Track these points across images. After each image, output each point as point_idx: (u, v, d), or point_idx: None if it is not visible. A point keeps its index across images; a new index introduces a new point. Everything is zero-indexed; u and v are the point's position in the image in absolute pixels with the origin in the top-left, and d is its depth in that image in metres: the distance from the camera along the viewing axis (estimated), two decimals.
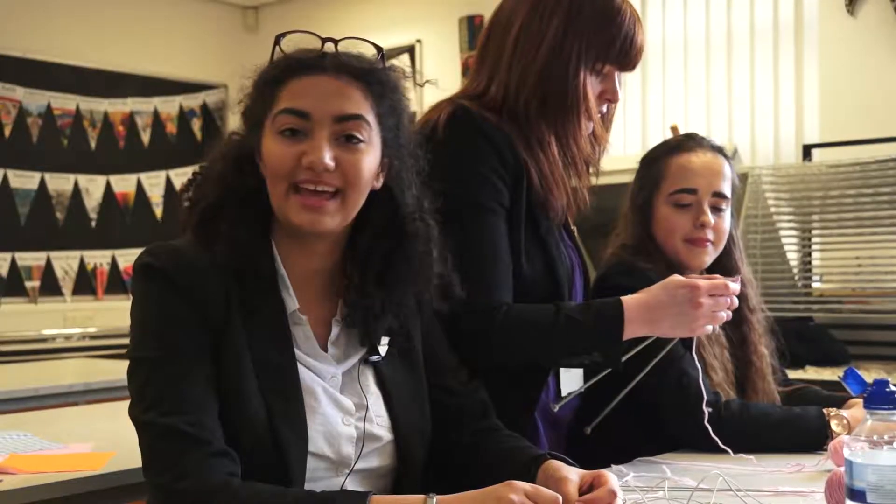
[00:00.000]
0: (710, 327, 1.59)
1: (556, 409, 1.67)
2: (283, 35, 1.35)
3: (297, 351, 1.32)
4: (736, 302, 1.61)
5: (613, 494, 1.21)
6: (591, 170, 1.82)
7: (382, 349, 1.41)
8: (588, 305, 1.64)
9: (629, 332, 1.58)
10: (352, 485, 1.34)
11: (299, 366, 1.32)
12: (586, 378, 1.73)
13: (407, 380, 1.43)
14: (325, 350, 1.36)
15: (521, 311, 1.63)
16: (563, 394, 1.71)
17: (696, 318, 1.56)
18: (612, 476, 1.25)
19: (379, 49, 1.38)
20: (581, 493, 1.24)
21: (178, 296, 1.26)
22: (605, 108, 1.77)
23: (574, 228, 1.89)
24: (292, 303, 1.34)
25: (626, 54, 1.70)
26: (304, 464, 1.28)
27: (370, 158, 1.32)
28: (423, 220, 1.40)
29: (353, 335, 1.39)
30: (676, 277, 1.60)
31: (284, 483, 1.25)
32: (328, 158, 1.27)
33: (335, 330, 1.38)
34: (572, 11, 1.68)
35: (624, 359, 1.60)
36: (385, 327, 1.40)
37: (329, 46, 1.34)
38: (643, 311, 1.58)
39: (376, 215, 1.37)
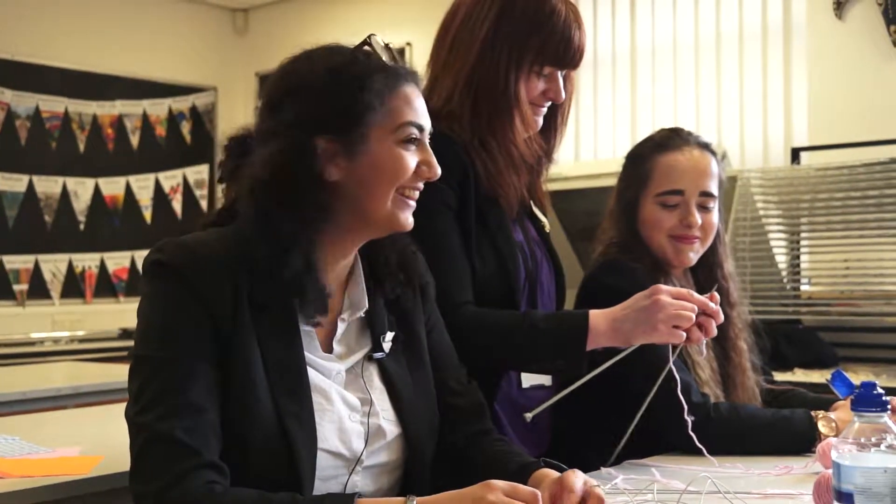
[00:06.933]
0: (683, 334, 1.55)
1: (530, 418, 1.62)
2: (371, 35, 1.39)
3: (304, 351, 1.32)
4: (721, 317, 1.59)
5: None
6: (543, 170, 1.84)
7: (386, 345, 1.41)
8: (554, 314, 1.67)
9: (594, 342, 1.59)
10: (362, 481, 1.34)
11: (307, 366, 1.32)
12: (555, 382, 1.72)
13: (413, 373, 1.44)
14: (330, 349, 1.37)
15: (486, 312, 1.65)
16: (527, 387, 1.73)
17: (655, 311, 1.54)
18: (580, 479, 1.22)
19: (394, 56, 1.42)
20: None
21: (188, 293, 1.25)
22: (545, 109, 1.78)
23: (546, 224, 1.89)
24: None
25: (563, 54, 1.72)
26: (314, 462, 1.28)
27: None
28: None
29: (357, 332, 1.41)
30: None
31: (295, 481, 1.24)
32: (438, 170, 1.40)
33: (341, 327, 1.39)
34: (503, 16, 1.71)
35: (596, 372, 1.59)
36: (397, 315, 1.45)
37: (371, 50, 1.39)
38: (608, 319, 1.59)
39: None
